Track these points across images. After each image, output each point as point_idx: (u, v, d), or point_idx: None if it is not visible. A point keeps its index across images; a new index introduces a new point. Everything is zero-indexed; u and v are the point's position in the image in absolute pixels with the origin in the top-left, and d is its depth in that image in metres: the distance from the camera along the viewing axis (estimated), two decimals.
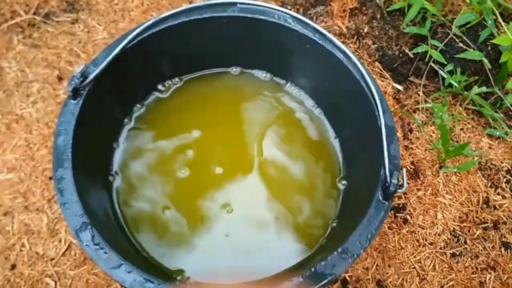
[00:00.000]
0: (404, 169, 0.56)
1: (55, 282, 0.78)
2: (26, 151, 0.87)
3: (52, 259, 0.80)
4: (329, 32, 1.00)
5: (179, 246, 0.66)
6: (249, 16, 0.68)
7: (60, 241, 0.81)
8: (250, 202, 0.70)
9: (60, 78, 0.95)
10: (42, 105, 0.92)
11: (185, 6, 0.69)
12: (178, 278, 0.63)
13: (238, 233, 0.68)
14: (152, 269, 0.62)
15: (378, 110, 0.60)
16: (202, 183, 0.71)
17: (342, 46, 0.65)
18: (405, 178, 0.55)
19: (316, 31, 0.67)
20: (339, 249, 0.53)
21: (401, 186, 0.55)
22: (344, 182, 0.72)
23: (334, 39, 0.65)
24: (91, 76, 0.61)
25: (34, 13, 1.02)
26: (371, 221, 0.54)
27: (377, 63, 0.98)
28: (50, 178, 0.85)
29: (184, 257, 0.65)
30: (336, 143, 0.75)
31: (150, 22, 0.66)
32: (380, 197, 0.56)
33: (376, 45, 1.00)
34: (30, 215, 0.82)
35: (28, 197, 0.83)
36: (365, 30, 1.01)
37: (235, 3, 0.69)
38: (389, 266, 0.79)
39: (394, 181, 0.54)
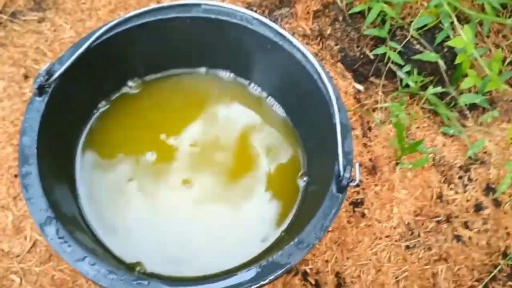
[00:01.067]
0: (357, 164, 0.59)
1: (21, 279, 0.79)
2: None
3: (18, 256, 0.80)
4: (293, 33, 1.03)
5: (137, 238, 0.68)
6: (212, 17, 0.70)
7: (25, 238, 0.82)
8: (211, 196, 0.73)
9: (26, 77, 0.95)
10: (8, 104, 0.92)
11: (150, 6, 0.71)
12: (137, 269, 0.65)
13: (199, 225, 0.70)
14: (115, 262, 0.64)
15: (333, 108, 0.63)
16: (163, 179, 0.73)
17: (301, 47, 0.68)
18: (357, 172, 0.59)
19: (277, 32, 0.69)
20: (296, 240, 0.56)
21: (353, 179, 0.58)
22: (305, 178, 0.75)
23: (293, 39, 0.68)
24: (57, 74, 0.62)
25: (1, 12, 1.02)
26: (326, 212, 0.58)
27: (339, 64, 1.02)
28: (16, 176, 0.85)
29: (143, 249, 0.67)
30: (298, 141, 0.78)
31: (115, 22, 0.68)
32: (334, 190, 0.59)
33: (338, 46, 1.03)
34: None
35: None
36: (328, 31, 1.04)
37: (199, 4, 0.71)
38: (347, 258, 0.82)
39: (347, 175, 0.58)
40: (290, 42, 0.69)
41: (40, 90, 0.61)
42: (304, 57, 0.68)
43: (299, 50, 0.68)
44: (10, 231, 0.82)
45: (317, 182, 0.70)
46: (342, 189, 0.58)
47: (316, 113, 0.69)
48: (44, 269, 0.80)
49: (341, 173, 0.59)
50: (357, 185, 0.88)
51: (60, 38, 1.00)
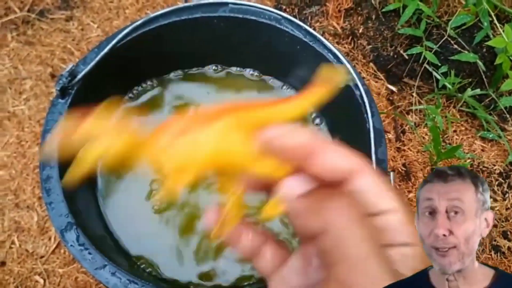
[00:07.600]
0: (392, 173, 0.56)
1: (44, 280, 0.78)
2: (17, 149, 0.87)
3: (42, 257, 0.80)
4: (324, 32, 1.00)
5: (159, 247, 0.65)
6: (240, 17, 0.67)
7: (49, 239, 0.81)
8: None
9: (53, 76, 0.95)
10: (35, 102, 0.92)
11: (177, 5, 0.68)
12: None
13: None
14: (135, 268, 0.62)
15: (366, 112, 0.59)
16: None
17: (332, 48, 0.64)
18: (392, 182, 0.55)
19: (307, 32, 0.66)
20: None
21: None
22: None
23: (324, 40, 0.65)
24: (80, 75, 0.61)
25: (29, 10, 1.02)
26: None
27: (371, 64, 0.98)
28: None
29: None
30: None
31: (139, 22, 0.66)
32: None
33: (371, 46, 0.99)
34: (21, 213, 0.82)
35: (18, 195, 0.83)
36: (360, 30, 1.01)
37: (226, 3, 0.68)
38: None
39: None
40: (321, 42, 0.66)
41: (63, 92, 0.60)
42: (336, 58, 0.64)
43: (330, 51, 0.65)
44: (34, 231, 0.82)
45: None
46: None
47: (348, 117, 0.65)
48: (67, 271, 0.79)
49: None
50: None
51: (87, 37, 0.99)
